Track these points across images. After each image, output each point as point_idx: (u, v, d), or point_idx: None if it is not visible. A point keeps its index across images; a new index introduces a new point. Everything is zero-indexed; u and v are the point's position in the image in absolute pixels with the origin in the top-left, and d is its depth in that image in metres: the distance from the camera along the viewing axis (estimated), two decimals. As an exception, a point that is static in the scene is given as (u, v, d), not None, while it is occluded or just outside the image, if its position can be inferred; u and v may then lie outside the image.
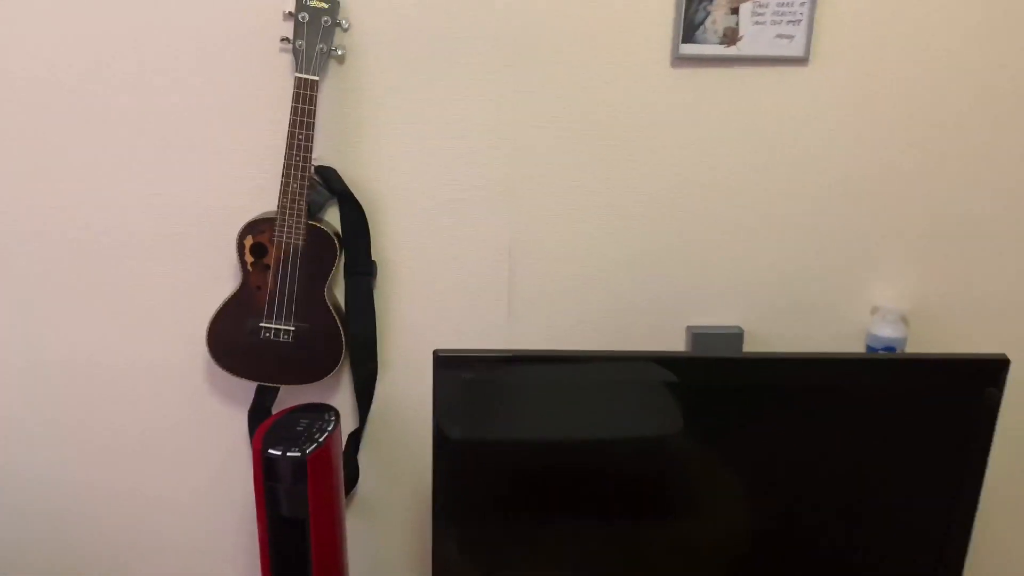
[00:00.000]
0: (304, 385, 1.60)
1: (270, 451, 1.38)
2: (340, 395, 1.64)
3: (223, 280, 1.55)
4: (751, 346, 1.63)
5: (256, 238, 1.46)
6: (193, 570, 1.73)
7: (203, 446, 1.65)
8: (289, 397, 1.61)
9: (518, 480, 1.33)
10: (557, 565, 1.38)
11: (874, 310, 1.64)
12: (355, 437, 1.65)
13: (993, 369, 1.32)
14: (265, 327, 1.48)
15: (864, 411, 1.33)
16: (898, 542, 1.41)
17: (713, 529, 1.38)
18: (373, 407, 1.64)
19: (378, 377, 1.61)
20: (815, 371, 1.31)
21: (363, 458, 1.67)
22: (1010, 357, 1.61)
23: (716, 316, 1.63)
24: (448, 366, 1.26)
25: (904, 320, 1.62)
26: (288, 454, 1.38)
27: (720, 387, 1.31)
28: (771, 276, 1.60)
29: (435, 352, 1.25)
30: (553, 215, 1.56)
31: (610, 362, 1.28)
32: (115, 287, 1.55)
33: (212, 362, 1.52)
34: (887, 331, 1.60)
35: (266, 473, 1.39)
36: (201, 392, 1.61)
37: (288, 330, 1.48)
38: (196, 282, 1.55)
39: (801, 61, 1.50)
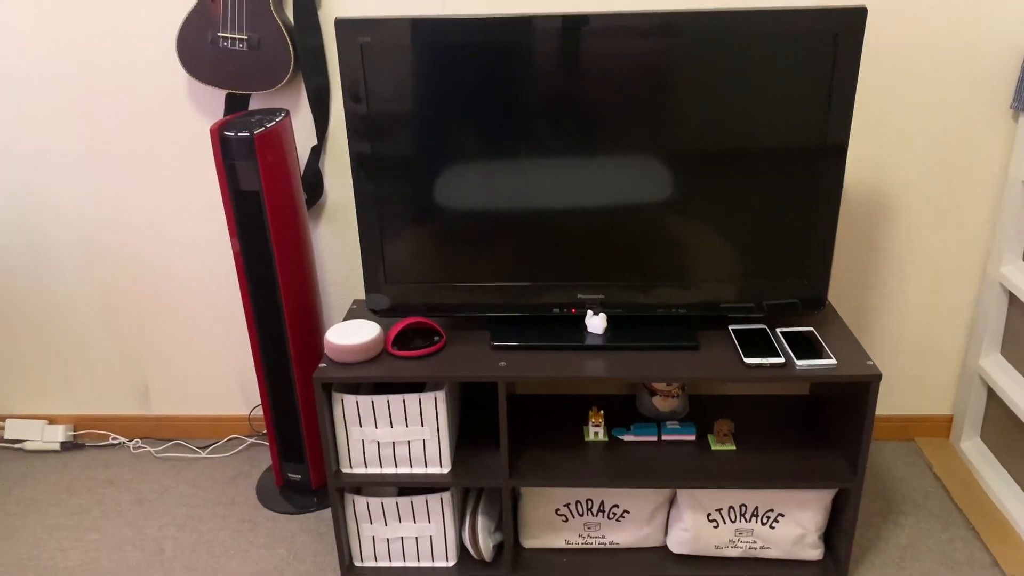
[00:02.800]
0: (269, 97, 1.85)
1: (225, 132, 1.64)
2: (303, 113, 1.87)
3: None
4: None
5: (207, -46, 1.67)
6: (181, 250, 2.05)
7: (183, 151, 1.93)
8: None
9: (424, 144, 1.53)
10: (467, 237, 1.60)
11: None
12: (316, 151, 1.89)
13: (854, 16, 1.41)
14: (222, 36, 1.71)
15: (748, 58, 1.45)
16: (779, 176, 1.55)
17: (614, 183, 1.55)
18: (333, 123, 1.87)
19: (331, 93, 1.84)
20: (693, 22, 1.44)
21: (329, 173, 1.92)
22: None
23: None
24: (348, 29, 1.45)
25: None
26: (239, 134, 1.63)
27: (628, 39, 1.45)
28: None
29: (336, 19, 1.45)
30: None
31: (504, 22, 1.44)
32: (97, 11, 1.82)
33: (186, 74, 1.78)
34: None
35: (223, 151, 1.65)
36: (182, 104, 1.88)
37: (242, 39, 1.71)
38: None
39: None
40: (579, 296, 1.64)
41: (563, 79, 1.47)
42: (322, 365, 1.58)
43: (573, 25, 1.43)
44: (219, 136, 1.64)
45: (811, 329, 1.65)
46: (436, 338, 1.65)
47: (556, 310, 1.66)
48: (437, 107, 1.50)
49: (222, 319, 2.09)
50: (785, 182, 1.53)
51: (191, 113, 1.88)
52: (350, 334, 1.60)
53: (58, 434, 2.17)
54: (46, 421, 2.20)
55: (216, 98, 1.86)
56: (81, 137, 1.92)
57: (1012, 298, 1.86)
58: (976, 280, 1.95)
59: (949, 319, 1.99)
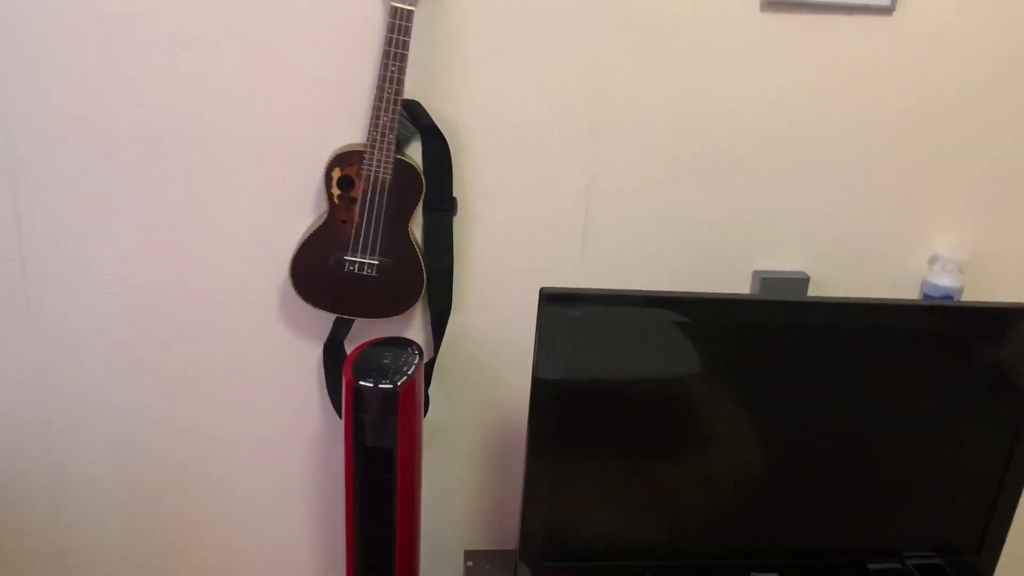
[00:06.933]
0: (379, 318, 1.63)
1: (361, 382, 1.41)
2: (413, 327, 1.66)
3: (303, 211, 1.54)
4: (814, 291, 1.67)
5: (344, 171, 1.45)
6: (264, 498, 1.77)
7: (276, 375, 1.66)
8: (361, 329, 1.63)
9: (614, 419, 1.37)
10: (641, 506, 1.45)
11: (932, 259, 1.69)
12: (427, 368, 1.67)
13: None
14: (350, 260, 1.48)
15: (914, 357, 1.39)
16: (944, 495, 1.50)
17: (758, 470, 1.45)
18: (445, 341, 1.66)
19: (451, 311, 1.64)
20: (871, 315, 1.36)
21: (433, 388, 1.70)
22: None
23: (781, 261, 1.67)
24: (553, 302, 1.28)
25: (961, 270, 1.68)
26: (380, 386, 1.40)
27: (784, 329, 1.36)
28: (835, 223, 1.64)
29: (542, 290, 1.27)
30: (630, 157, 1.56)
31: (715, 304, 1.32)
32: (201, 213, 1.54)
33: (290, 293, 1.53)
34: (944, 280, 1.65)
35: (356, 404, 1.41)
36: (276, 323, 1.62)
37: (373, 264, 1.49)
38: (278, 212, 1.54)
39: (886, 11, 1.51)
40: None
41: (787, 373, 1.36)
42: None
43: (797, 312, 1.33)
44: (353, 386, 1.41)
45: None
46: (588, 617, 1.48)
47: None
48: (632, 390, 1.35)
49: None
50: (965, 467, 1.49)
51: (283, 329, 1.62)
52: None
53: (60, 675, 1.80)
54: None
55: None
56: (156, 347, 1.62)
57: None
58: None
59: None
